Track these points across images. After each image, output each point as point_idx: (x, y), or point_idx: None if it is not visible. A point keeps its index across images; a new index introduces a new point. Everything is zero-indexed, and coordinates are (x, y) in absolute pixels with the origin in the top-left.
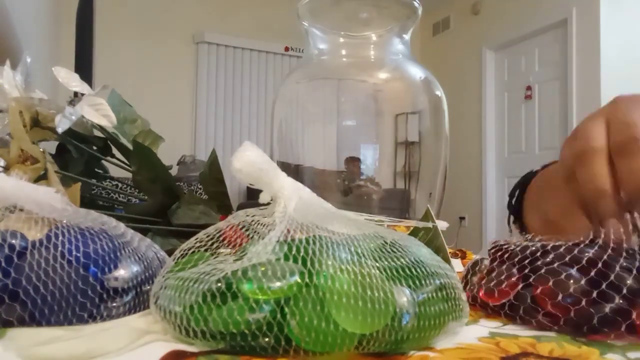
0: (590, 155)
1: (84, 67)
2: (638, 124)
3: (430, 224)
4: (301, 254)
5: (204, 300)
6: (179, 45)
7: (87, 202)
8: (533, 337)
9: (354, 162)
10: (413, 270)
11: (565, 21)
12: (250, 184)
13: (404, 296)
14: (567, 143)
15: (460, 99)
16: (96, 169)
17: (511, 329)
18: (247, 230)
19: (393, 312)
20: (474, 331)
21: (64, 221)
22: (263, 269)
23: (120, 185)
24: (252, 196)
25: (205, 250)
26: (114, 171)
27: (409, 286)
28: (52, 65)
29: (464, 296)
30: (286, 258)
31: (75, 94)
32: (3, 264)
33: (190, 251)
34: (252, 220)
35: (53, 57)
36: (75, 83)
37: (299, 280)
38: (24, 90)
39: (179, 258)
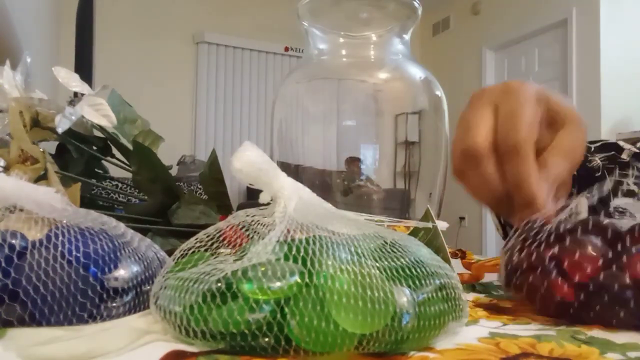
0: (479, 158)
1: (84, 67)
2: (524, 122)
3: (430, 224)
4: (301, 254)
5: (204, 301)
6: (179, 45)
7: (87, 202)
8: (533, 337)
9: (354, 162)
10: (413, 270)
11: (565, 21)
12: (250, 184)
13: (404, 296)
14: (456, 135)
15: (460, 99)
16: (96, 169)
17: (511, 329)
18: (247, 230)
19: (393, 312)
20: (474, 331)
21: (64, 221)
22: (263, 269)
23: (120, 185)
24: (252, 196)
25: (205, 250)
26: (114, 171)
27: (409, 286)
28: (52, 65)
29: (464, 296)
30: (286, 258)
31: (75, 94)
32: (3, 264)
33: (190, 251)
34: (252, 220)
35: (53, 57)
36: (75, 83)
37: (299, 280)
38: (24, 90)
39: (179, 258)
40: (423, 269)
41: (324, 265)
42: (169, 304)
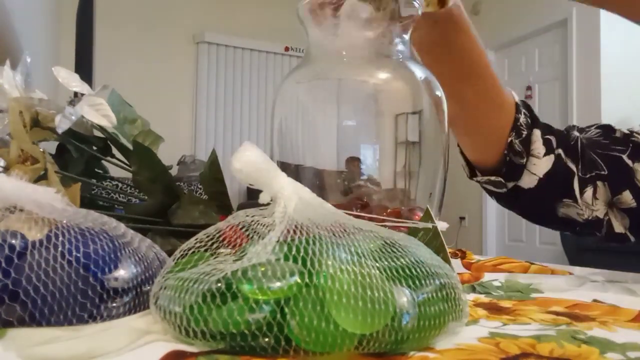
0: None
1: (84, 67)
2: None
3: (430, 225)
4: (301, 254)
5: (204, 301)
6: (179, 45)
7: (87, 202)
8: (533, 337)
9: (354, 162)
10: (413, 270)
11: (565, 21)
12: (250, 184)
13: (404, 296)
14: None
15: None
16: (96, 169)
17: (511, 329)
18: (247, 230)
19: (393, 312)
20: (474, 331)
21: (64, 221)
22: (263, 269)
23: (120, 185)
24: (252, 196)
25: (205, 251)
26: (114, 171)
27: (409, 286)
28: (52, 65)
29: (464, 296)
30: (286, 258)
31: (75, 94)
32: (3, 264)
33: (190, 251)
34: (252, 221)
35: (53, 57)
36: (75, 83)
37: (299, 281)
38: (24, 90)
39: (179, 258)
40: (423, 269)
41: (324, 265)
42: (169, 304)
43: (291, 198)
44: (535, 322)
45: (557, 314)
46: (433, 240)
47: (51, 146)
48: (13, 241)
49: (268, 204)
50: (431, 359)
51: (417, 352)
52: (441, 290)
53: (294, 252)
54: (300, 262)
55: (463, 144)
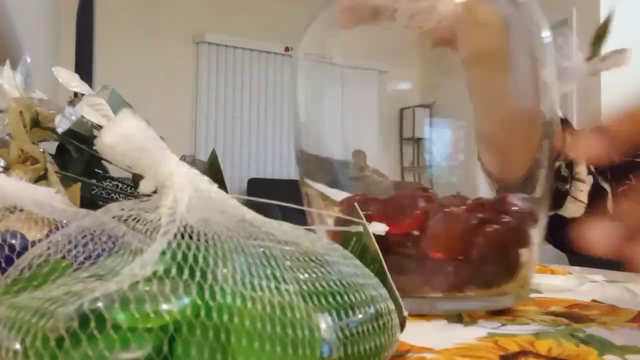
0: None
1: (84, 67)
2: None
3: (359, 227)
4: (196, 271)
5: (55, 338)
6: (179, 45)
7: (87, 202)
8: (532, 334)
9: (359, 154)
10: (342, 295)
11: (565, 21)
12: (129, 167)
13: (329, 330)
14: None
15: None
16: (96, 169)
17: (509, 329)
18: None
19: (317, 352)
20: (473, 331)
21: (64, 221)
22: (147, 288)
23: (120, 185)
24: (253, 196)
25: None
26: (114, 171)
27: (336, 314)
28: (52, 65)
29: (395, 321)
30: (179, 270)
31: (75, 94)
32: (3, 264)
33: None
34: (130, 216)
35: (53, 57)
36: (75, 83)
37: (194, 303)
38: (24, 90)
39: (20, 272)
40: (354, 294)
41: (226, 290)
42: (4, 341)
43: (184, 189)
44: (534, 322)
45: (556, 314)
46: (367, 248)
47: (51, 146)
48: (13, 241)
49: (150, 195)
50: (429, 359)
51: (415, 354)
52: (377, 320)
53: (186, 266)
54: (194, 280)
55: (492, 162)
